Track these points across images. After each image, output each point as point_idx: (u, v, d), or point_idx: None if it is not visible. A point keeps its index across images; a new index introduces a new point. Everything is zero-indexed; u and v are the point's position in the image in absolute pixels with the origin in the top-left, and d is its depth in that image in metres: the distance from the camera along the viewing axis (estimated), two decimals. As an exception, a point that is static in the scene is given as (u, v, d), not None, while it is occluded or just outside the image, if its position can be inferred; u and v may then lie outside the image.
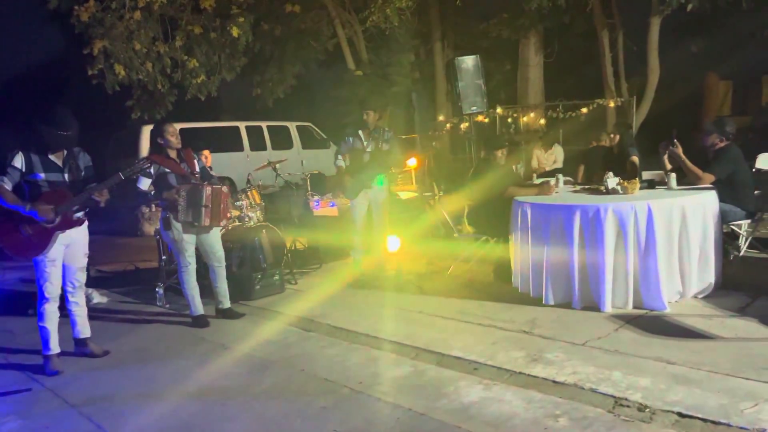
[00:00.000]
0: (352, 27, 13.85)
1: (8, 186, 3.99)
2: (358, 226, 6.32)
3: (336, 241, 7.02)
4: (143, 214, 10.79)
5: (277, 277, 6.01)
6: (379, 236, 6.41)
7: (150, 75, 10.79)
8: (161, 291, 6.04)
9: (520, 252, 5.12)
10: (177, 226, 4.93)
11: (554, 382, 3.42)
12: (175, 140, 4.95)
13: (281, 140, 13.84)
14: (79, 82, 12.93)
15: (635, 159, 6.53)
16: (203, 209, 4.91)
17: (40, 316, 4.28)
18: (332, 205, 7.18)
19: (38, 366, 4.38)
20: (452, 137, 13.52)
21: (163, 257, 6.51)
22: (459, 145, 13.57)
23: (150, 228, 10.96)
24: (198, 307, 5.16)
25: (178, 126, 12.06)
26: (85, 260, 4.45)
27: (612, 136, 7.04)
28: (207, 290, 5.31)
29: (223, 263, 5.29)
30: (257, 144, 13.39)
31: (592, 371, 3.50)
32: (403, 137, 9.75)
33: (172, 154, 4.99)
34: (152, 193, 5.03)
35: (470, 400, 3.31)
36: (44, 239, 4.07)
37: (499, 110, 12.31)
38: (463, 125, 13.58)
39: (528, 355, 3.84)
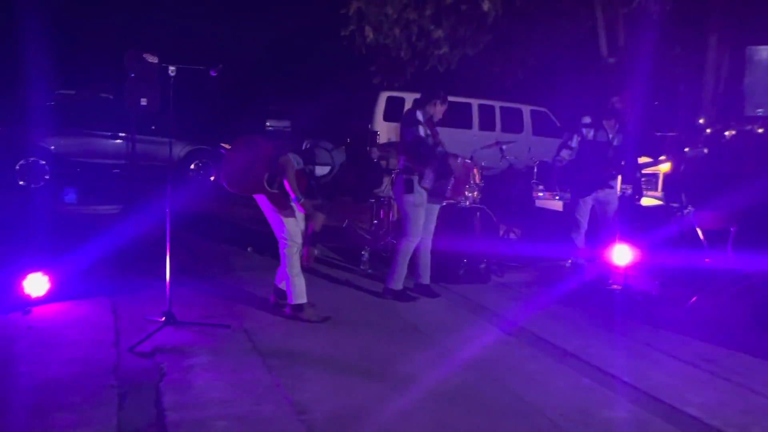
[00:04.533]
0: (614, 10, 12.49)
1: None
2: (582, 228, 5.56)
3: (554, 240, 6.30)
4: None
5: (483, 266, 5.54)
6: (606, 243, 5.56)
7: (396, 41, 10.89)
8: (366, 255, 5.94)
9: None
10: (420, 190, 4.77)
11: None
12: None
13: (512, 123, 13.19)
14: (327, 44, 13.76)
15: None
16: (452, 180, 4.91)
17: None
18: (559, 199, 6.44)
19: (243, 305, 4.51)
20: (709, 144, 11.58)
21: (375, 221, 6.43)
22: (714, 154, 11.60)
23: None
24: (401, 280, 4.92)
25: (413, 96, 12.13)
26: None
27: None
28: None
29: (431, 236, 5.00)
30: (487, 124, 12.92)
31: None
32: (659, 134, 8.54)
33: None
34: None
35: (709, 483, 2.50)
36: None
37: (780, 121, 10.15)
38: (728, 132, 11.58)
39: (800, 441, 2.86)
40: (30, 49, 12.42)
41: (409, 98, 12.31)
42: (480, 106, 12.93)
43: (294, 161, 4.00)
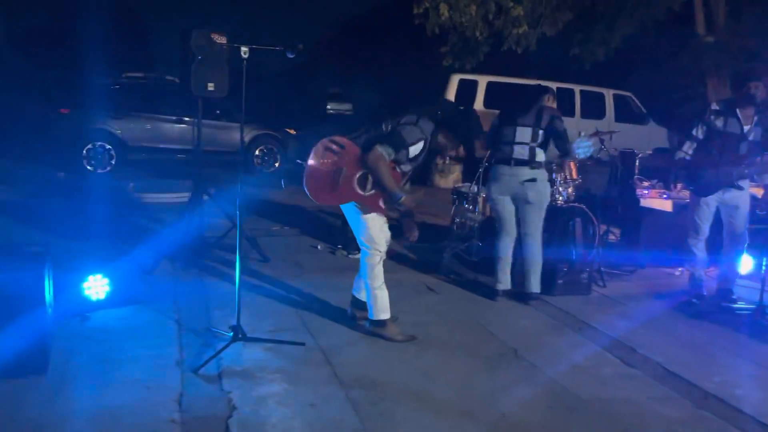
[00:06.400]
0: (714, -18, 11.31)
1: None
2: (703, 233, 4.79)
3: (661, 244, 5.54)
4: (436, 165, 10.43)
5: (585, 275, 4.87)
6: (731, 253, 4.79)
7: (472, 19, 10.16)
8: (447, 257, 5.36)
9: None
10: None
11: None
12: None
13: (593, 108, 12.23)
14: (395, 24, 13.10)
15: None
16: None
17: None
18: (666, 197, 5.66)
19: (317, 316, 4.04)
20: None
21: (456, 220, 5.83)
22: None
23: (442, 180, 10.58)
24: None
25: (487, 78, 11.42)
26: None
27: None
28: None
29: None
30: (565, 109, 11.99)
31: None
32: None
33: None
34: None
35: None
36: None
37: None
38: None
39: None
40: (95, 30, 12.34)
41: (483, 81, 11.56)
42: (558, 89, 11.99)
43: (385, 153, 3.43)
